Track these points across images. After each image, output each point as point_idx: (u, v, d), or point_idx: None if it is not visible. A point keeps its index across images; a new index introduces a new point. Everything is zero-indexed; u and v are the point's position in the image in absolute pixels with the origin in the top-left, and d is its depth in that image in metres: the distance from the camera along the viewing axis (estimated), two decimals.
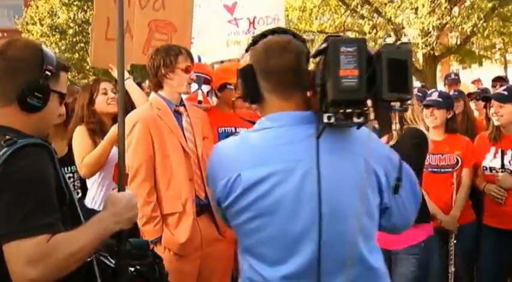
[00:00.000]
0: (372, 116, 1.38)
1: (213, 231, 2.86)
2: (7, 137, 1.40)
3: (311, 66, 1.53)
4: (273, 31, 1.53)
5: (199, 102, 3.38)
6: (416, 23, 13.86)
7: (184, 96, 2.99)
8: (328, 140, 1.41)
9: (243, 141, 1.53)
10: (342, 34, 16.13)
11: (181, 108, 2.92)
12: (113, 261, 1.66)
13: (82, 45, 19.24)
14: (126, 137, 2.72)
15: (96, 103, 3.16)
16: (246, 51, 1.57)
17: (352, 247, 1.42)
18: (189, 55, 2.89)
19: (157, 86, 2.85)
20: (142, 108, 2.95)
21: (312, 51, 1.46)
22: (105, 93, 3.16)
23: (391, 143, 2.67)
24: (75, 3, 19.49)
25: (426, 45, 14.22)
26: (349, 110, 1.34)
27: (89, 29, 19.06)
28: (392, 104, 1.38)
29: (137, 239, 1.85)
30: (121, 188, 1.73)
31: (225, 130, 3.27)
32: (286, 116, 1.47)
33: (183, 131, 2.85)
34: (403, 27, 14.48)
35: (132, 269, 1.69)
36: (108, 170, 3.10)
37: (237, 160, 1.48)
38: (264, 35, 1.52)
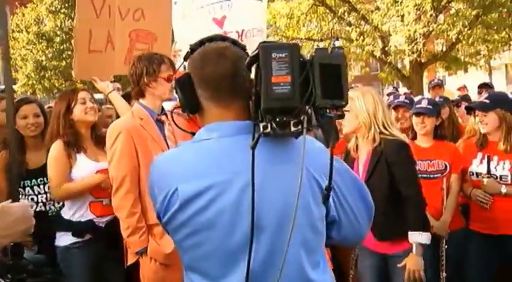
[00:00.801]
0: (311, 124, 1.32)
1: None
2: None
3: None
4: (211, 39, 1.47)
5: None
6: (402, 31, 14.04)
7: (169, 104, 2.93)
8: (265, 150, 1.34)
9: (181, 154, 1.46)
10: (329, 41, 16.33)
11: (163, 117, 2.86)
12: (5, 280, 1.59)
13: (69, 53, 19.17)
14: (109, 147, 2.72)
15: (73, 112, 3.04)
16: (185, 60, 1.50)
17: (293, 262, 1.34)
18: (172, 64, 2.84)
19: (139, 94, 2.79)
20: (124, 117, 2.89)
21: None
22: (84, 103, 3.06)
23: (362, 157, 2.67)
24: (62, 11, 19.47)
25: (413, 52, 14.41)
26: (284, 119, 1.28)
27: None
28: (328, 111, 1.31)
29: (35, 255, 1.78)
30: (14, 197, 1.65)
31: None
32: (224, 126, 1.40)
33: (165, 140, 2.81)
34: (390, 35, 14.64)
35: None
36: None
37: (175, 173, 1.39)
38: (201, 42, 1.47)
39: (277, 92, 1.26)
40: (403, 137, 2.94)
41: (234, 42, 1.47)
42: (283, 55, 1.27)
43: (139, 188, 2.69)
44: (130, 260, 2.75)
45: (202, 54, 1.43)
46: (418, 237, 2.72)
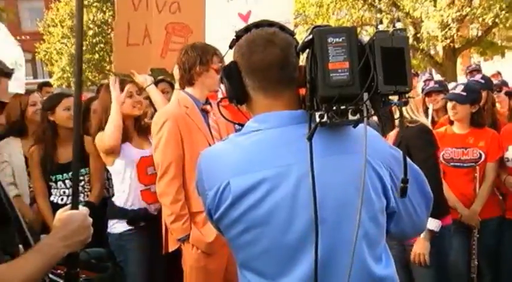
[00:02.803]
0: (371, 112, 1.25)
1: None
2: None
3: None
4: (257, 25, 1.38)
5: (221, 100, 3.37)
6: (435, 16, 13.69)
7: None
8: (322, 140, 1.28)
9: (230, 147, 1.38)
10: (359, 29, 16.08)
11: (208, 107, 2.89)
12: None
13: (102, 45, 19.52)
14: (155, 133, 2.77)
15: (122, 105, 3.06)
16: (230, 47, 1.42)
17: (355, 256, 1.25)
18: (221, 56, 2.84)
19: (188, 83, 2.81)
20: (170, 105, 2.89)
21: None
22: (131, 96, 3.10)
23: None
24: (94, 4, 19.73)
25: (446, 38, 14.05)
26: (342, 107, 1.21)
27: (109, 30, 19.17)
28: (390, 97, 1.24)
29: (96, 249, 1.73)
30: (74, 205, 1.53)
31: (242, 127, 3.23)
32: (274, 117, 1.33)
33: (209, 129, 2.83)
34: (422, 21, 14.32)
35: None
36: (132, 171, 3.05)
37: (225, 167, 1.33)
38: (247, 29, 1.38)
39: (334, 79, 1.19)
40: (426, 122, 2.92)
41: (282, 28, 1.39)
42: (340, 40, 1.20)
43: (183, 176, 2.73)
44: (172, 246, 2.80)
45: (250, 41, 1.35)
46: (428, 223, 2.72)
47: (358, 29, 15.91)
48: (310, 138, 1.23)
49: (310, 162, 1.23)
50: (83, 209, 1.52)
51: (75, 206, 1.52)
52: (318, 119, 1.23)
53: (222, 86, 2.49)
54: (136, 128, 3.18)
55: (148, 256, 3.03)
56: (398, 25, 12.44)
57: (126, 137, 3.06)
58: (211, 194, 1.33)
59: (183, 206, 2.70)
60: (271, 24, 1.39)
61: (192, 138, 2.73)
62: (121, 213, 3.02)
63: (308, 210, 1.24)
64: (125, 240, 3.00)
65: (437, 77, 13.07)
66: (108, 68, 17.73)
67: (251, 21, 4.70)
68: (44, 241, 1.40)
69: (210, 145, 2.75)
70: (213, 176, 1.34)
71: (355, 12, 16.32)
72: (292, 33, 1.39)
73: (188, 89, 2.85)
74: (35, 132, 3.44)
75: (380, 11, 15.74)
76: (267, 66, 1.32)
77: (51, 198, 3.30)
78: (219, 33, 4.44)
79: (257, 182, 1.28)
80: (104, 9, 19.34)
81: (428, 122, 2.99)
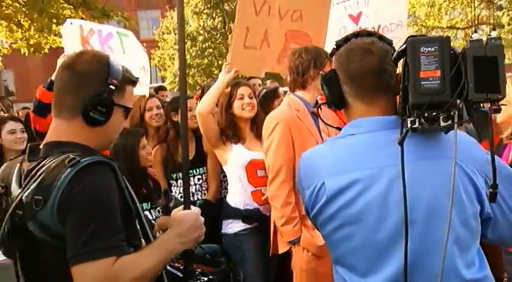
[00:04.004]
0: (462, 118, 1.28)
1: None
2: (70, 156, 1.37)
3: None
4: (357, 34, 1.46)
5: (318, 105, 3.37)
6: None
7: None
8: (415, 145, 1.33)
9: (327, 149, 1.49)
10: (474, 28, 15.11)
11: (318, 110, 2.88)
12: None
13: (210, 51, 20.33)
14: (266, 137, 2.83)
15: (233, 107, 3.19)
16: (331, 56, 1.52)
17: (446, 259, 1.27)
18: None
19: (301, 86, 2.82)
20: (281, 108, 2.92)
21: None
22: (242, 98, 3.18)
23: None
24: (205, 11, 20.64)
25: None
26: (434, 114, 1.26)
27: (217, 35, 19.89)
28: (482, 105, 1.26)
29: (211, 245, 1.80)
30: (187, 205, 1.63)
31: None
32: (368, 122, 1.41)
33: (320, 132, 2.82)
34: None
35: (206, 279, 1.66)
36: (242, 172, 3.14)
37: (322, 168, 1.43)
38: (347, 39, 1.46)
39: (425, 87, 1.25)
40: None
41: (380, 37, 1.46)
42: (433, 49, 1.25)
43: (294, 179, 2.70)
44: (282, 248, 2.83)
45: (348, 50, 1.44)
46: None
47: (473, 29, 15.04)
48: (401, 143, 1.29)
49: (402, 166, 1.28)
50: (195, 209, 1.61)
51: (187, 206, 1.62)
52: (409, 125, 1.28)
53: None
54: (253, 130, 3.26)
55: (264, 256, 3.07)
56: (494, 34, 11.55)
57: (238, 138, 3.17)
58: (308, 193, 1.43)
59: (293, 209, 2.71)
60: (370, 33, 1.47)
61: (303, 141, 2.73)
62: (235, 213, 3.10)
63: (398, 211, 1.30)
64: (240, 240, 3.06)
65: None
66: (216, 72, 18.44)
67: (362, 22, 4.68)
68: (162, 237, 1.51)
69: None
70: (310, 176, 1.45)
71: (471, 11, 15.38)
72: (390, 43, 1.45)
73: (299, 92, 2.86)
74: (156, 134, 3.65)
75: (500, 7, 14.66)
76: (364, 74, 1.40)
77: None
78: (331, 36, 4.44)
79: (350, 182, 1.36)
80: (214, 15, 20.15)
81: None
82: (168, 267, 1.59)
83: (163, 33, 21.85)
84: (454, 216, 1.29)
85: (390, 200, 1.33)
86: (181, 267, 1.60)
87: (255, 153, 3.15)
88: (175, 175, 3.48)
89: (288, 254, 2.86)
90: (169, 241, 1.48)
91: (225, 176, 3.41)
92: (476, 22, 15.31)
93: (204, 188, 3.48)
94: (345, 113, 1.50)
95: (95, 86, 1.47)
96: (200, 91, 4.69)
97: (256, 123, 3.26)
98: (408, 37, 1.30)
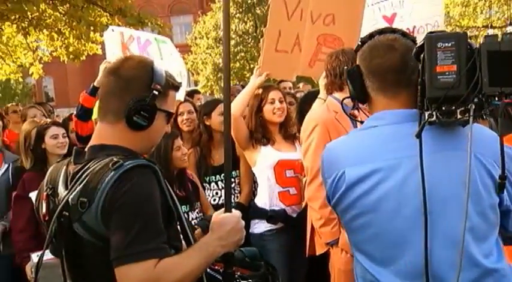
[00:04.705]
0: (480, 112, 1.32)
1: None
2: (114, 160, 1.39)
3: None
4: (381, 31, 1.52)
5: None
6: None
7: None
8: (433, 137, 1.37)
9: (349, 140, 1.56)
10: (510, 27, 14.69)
11: (356, 112, 2.90)
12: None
13: (242, 54, 20.43)
14: (305, 139, 2.86)
15: (263, 111, 3.22)
16: (355, 52, 1.58)
17: (462, 248, 1.30)
18: None
19: (338, 88, 2.84)
20: (320, 110, 2.93)
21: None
22: (272, 103, 3.20)
23: None
24: (236, 15, 20.78)
25: None
26: (451, 107, 1.30)
27: (249, 39, 20.01)
28: (497, 98, 1.28)
29: (249, 248, 1.82)
30: (228, 208, 1.62)
31: None
32: (389, 115, 1.46)
33: None
34: None
35: None
36: (270, 172, 3.18)
37: (343, 158, 1.49)
38: (371, 35, 1.52)
39: (442, 81, 1.29)
40: None
41: (404, 34, 1.50)
42: (449, 44, 1.29)
43: None
44: (320, 250, 2.85)
45: (372, 46, 1.50)
46: None
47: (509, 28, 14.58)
48: (418, 136, 1.33)
49: (420, 157, 1.32)
50: (236, 212, 1.61)
51: (228, 209, 1.62)
52: (426, 118, 1.33)
53: None
54: (282, 132, 3.30)
55: (289, 258, 3.10)
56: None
57: (268, 140, 3.21)
58: (329, 182, 1.50)
59: (332, 210, 2.72)
60: (393, 30, 1.52)
61: None
62: (262, 213, 3.14)
63: (415, 201, 1.34)
64: (266, 241, 3.11)
65: None
66: (248, 76, 18.55)
67: (396, 23, 4.66)
68: (202, 240, 1.52)
69: None
70: (332, 165, 1.51)
71: (508, 9, 14.99)
72: (413, 40, 1.50)
73: (336, 94, 2.87)
74: (190, 138, 3.71)
75: None
76: (386, 70, 1.45)
77: None
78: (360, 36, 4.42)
79: (369, 172, 1.41)
80: (246, 19, 20.27)
81: None
82: (208, 270, 1.59)
83: (195, 38, 22.09)
84: (470, 207, 1.31)
85: (407, 190, 1.37)
86: (220, 270, 1.61)
87: (284, 154, 3.19)
88: (208, 178, 3.53)
89: (323, 256, 2.86)
90: (209, 244, 1.49)
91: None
92: None
93: (236, 191, 3.52)
94: (368, 107, 1.57)
95: (139, 91, 1.49)
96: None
97: (285, 125, 3.30)
98: (427, 33, 1.34)
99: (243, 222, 1.61)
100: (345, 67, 2.76)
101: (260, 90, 3.29)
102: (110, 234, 1.35)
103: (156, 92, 1.50)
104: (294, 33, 3.48)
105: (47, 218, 1.51)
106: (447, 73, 1.29)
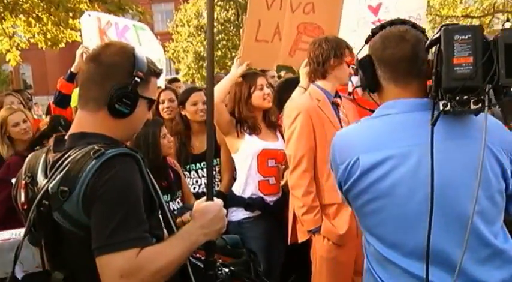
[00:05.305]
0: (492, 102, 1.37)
1: None
2: (95, 148, 1.37)
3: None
4: (392, 22, 1.57)
5: (349, 93, 3.36)
6: None
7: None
8: (445, 126, 1.42)
9: (362, 127, 1.59)
10: (490, 17, 14.90)
11: (338, 100, 2.91)
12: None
13: (224, 43, 20.29)
14: (287, 126, 2.85)
15: (253, 97, 3.19)
16: (366, 42, 1.62)
17: (472, 230, 1.39)
18: (351, 49, 2.90)
19: (321, 76, 2.85)
20: (302, 98, 2.93)
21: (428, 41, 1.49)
22: (262, 89, 3.20)
23: None
24: (218, 3, 20.56)
25: None
26: (465, 97, 1.36)
27: (231, 27, 19.85)
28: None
29: (231, 236, 1.82)
30: (210, 196, 1.63)
31: None
32: (402, 103, 1.51)
33: (340, 122, 2.85)
34: None
35: (227, 270, 1.66)
36: (252, 161, 3.17)
37: (356, 145, 1.53)
38: (382, 26, 1.57)
39: (459, 73, 1.34)
40: None
41: (414, 26, 1.55)
42: (466, 37, 1.35)
43: (315, 168, 2.78)
44: (302, 237, 2.87)
45: (384, 37, 1.54)
46: None
47: (489, 17, 14.81)
48: (434, 124, 1.39)
49: (431, 144, 1.38)
50: (218, 201, 1.61)
51: (210, 198, 1.62)
52: (441, 108, 1.39)
53: (353, 79, 2.50)
54: (266, 121, 3.30)
55: (267, 245, 3.12)
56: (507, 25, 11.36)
57: (254, 129, 3.19)
58: (342, 168, 1.54)
59: (314, 198, 2.75)
60: (404, 22, 1.57)
61: (324, 130, 2.76)
62: (239, 201, 3.14)
63: (427, 187, 1.39)
64: (244, 228, 3.11)
65: None
66: (229, 64, 18.46)
67: (381, 13, 4.67)
68: (184, 228, 1.51)
69: None
70: (345, 151, 1.55)
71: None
72: (423, 31, 1.55)
73: (319, 82, 2.88)
74: (169, 126, 3.63)
75: None
76: (398, 60, 1.50)
77: None
78: (349, 26, 4.43)
79: (383, 158, 1.46)
80: (227, 7, 20.11)
81: None
82: (190, 258, 1.57)
83: (177, 25, 21.85)
84: (480, 192, 1.39)
85: (420, 176, 1.42)
86: (202, 258, 1.61)
87: (267, 143, 3.19)
88: (188, 166, 3.51)
89: (303, 244, 2.90)
90: (192, 232, 1.49)
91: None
92: (492, 10, 15.09)
93: (217, 180, 3.51)
94: (378, 96, 1.61)
95: (121, 78, 1.47)
96: None
97: (268, 113, 3.29)
98: (442, 26, 1.40)
99: (225, 211, 1.61)
100: (329, 55, 2.80)
101: (240, 79, 3.27)
102: (90, 223, 1.34)
103: (139, 79, 1.48)
104: (273, 23, 3.47)
105: (25, 207, 1.49)
106: (464, 65, 1.34)
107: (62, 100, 3.86)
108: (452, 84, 1.35)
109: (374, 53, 1.56)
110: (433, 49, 1.44)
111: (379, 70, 1.55)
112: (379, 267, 1.53)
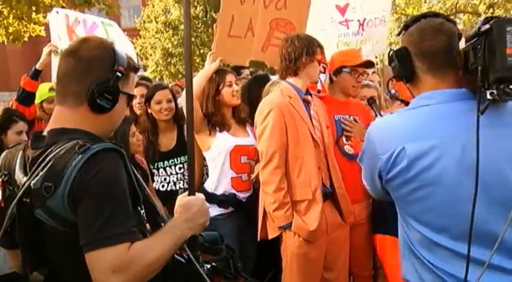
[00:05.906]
0: None
1: (337, 217, 2.94)
2: (80, 143, 1.36)
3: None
4: (425, 15, 1.63)
5: (318, 91, 3.42)
6: None
7: None
8: (486, 114, 1.46)
9: (403, 118, 1.63)
10: (452, 17, 15.29)
11: (309, 97, 2.95)
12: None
13: (192, 39, 20.06)
14: (259, 122, 2.87)
15: (221, 94, 3.22)
16: (398, 34, 1.69)
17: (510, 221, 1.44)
18: (322, 47, 2.94)
19: (293, 73, 2.88)
20: (274, 95, 2.96)
21: (469, 33, 1.53)
22: (230, 86, 3.23)
23: None
24: None
25: None
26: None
27: (199, 24, 19.57)
28: None
29: (209, 232, 1.85)
30: (192, 191, 1.66)
31: (340, 118, 3.18)
32: (441, 94, 1.56)
33: (311, 119, 2.88)
34: None
35: (208, 266, 1.68)
36: (225, 158, 3.19)
37: (400, 135, 1.57)
38: (416, 19, 1.62)
39: (511, 63, 1.40)
40: None
41: (447, 19, 1.62)
42: None
43: (286, 165, 2.80)
44: (272, 234, 2.89)
45: (421, 29, 1.60)
46: None
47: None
48: (483, 112, 1.44)
49: (476, 133, 1.43)
50: (200, 195, 1.64)
51: (192, 193, 1.65)
52: (489, 97, 1.43)
53: (322, 77, 2.48)
54: (235, 117, 3.31)
55: (240, 242, 3.14)
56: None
57: (223, 125, 3.20)
58: (384, 158, 1.57)
59: (286, 194, 2.76)
60: (436, 15, 1.64)
61: (296, 127, 2.79)
62: (212, 197, 3.13)
63: (471, 174, 1.43)
64: (216, 225, 3.05)
65: None
66: (197, 61, 18.33)
67: (348, 13, 4.72)
68: (169, 223, 1.51)
69: (312, 135, 2.83)
70: (387, 142, 1.58)
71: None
72: (455, 23, 1.63)
73: (291, 79, 2.91)
74: (139, 123, 3.65)
75: None
76: (436, 51, 1.57)
77: (153, 184, 3.48)
78: (317, 25, 4.47)
79: (429, 147, 1.50)
80: (195, 4, 19.91)
81: None
82: (175, 255, 1.58)
83: (144, 22, 21.53)
84: None
85: (465, 164, 1.47)
86: (184, 255, 1.60)
87: (239, 139, 3.21)
88: (156, 164, 3.50)
89: (273, 240, 2.92)
90: (178, 226, 1.50)
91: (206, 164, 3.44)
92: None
93: (185, 177, 3.50)
94: (410, 86, 1.66)
95: (101, 73, 1.46)
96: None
97: (237, 109, 3.31)
98: (489, 18, 1.45)
99: (207, 205, 1.64)
100: (301, 52, 2.84)
101: (213, 75, 3.27)
102: (78, 219, 1.32)
103: (120, 74, 1.48)
104: (247, 18, 3.48)
105: (2, 205, 1.46)
106: None
107: (26, 98, 3.76)
108: (506, 74, 1.41)
109: (410, 45, 1.61)
110: (462, 42, 1.52)
111: (416, 61, 1.60)
112: (426, 251, 1.57)
